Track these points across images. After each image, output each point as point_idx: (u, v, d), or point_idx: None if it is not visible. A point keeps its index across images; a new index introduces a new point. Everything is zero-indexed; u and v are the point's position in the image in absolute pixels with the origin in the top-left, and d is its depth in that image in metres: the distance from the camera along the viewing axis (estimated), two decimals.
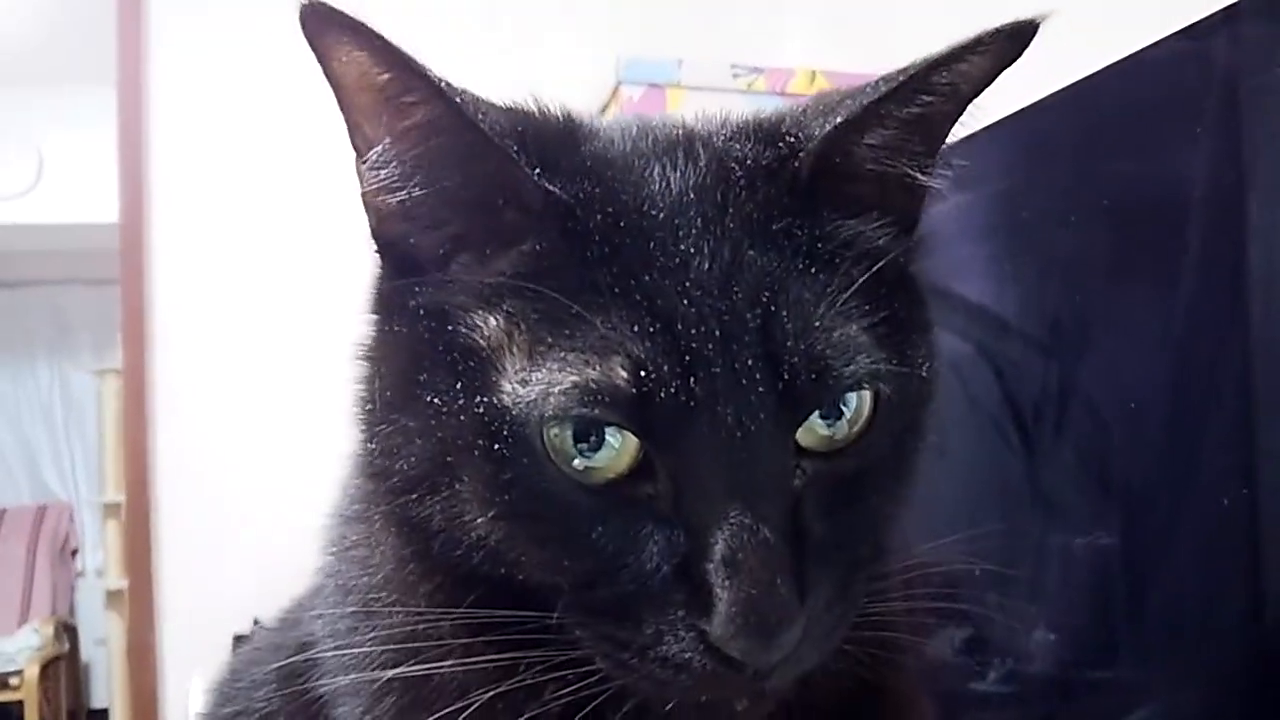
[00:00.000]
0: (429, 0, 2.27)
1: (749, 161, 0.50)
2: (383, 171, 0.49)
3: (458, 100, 0.47)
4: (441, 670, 0.50)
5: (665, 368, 0.44)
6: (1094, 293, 0.83)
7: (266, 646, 0.70)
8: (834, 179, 0.50)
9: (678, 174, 0.49)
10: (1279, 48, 0.66)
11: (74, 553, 5.15)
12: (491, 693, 0.49)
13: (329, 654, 0.57)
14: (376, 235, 0.53)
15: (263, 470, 2.19)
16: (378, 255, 0.54)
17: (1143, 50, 0.78)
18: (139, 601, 2.36)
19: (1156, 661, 0.77)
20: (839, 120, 0.49)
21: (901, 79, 0.48)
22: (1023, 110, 0.90)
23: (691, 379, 0.44)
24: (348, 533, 0.60)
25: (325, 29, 0.46)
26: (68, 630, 4.76)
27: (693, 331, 0.45)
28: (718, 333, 0.45)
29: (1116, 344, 0.81)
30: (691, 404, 0.44)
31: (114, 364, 3.79)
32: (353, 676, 0.55)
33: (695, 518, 0.45)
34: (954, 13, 1.70)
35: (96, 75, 2.92)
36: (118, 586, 3.93)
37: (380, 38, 0.46)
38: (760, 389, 0.45)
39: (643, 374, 0.44)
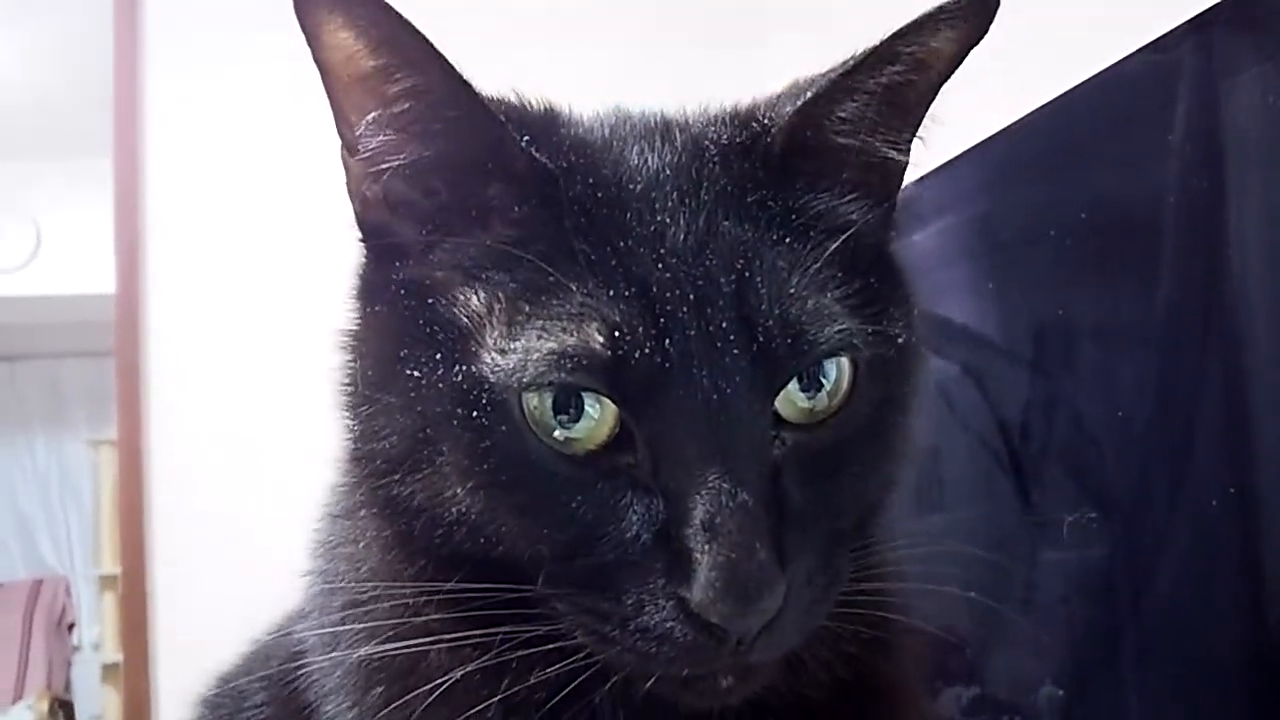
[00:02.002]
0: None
1: (724, 140, 0.51)
2: (372, 141, 0.50)
3: (452, 66, 0.48)
4: (428, 655, 0.50)
5: (640, 330, 0.45)
6: (1076, 306, 0.84)
7: (258, 655, 0.69)
8: (806, 154, 0.51)
9: (654, 154, 0.51)
10: (1243, 55, 0.68)
11: (70, 627, 5.08)
12: (474, 667, 0.48)
13: (318, 655, 0.57)
14: (361, 222, 0.54)
15: (261, 542, 2.16)
16: (361, 243, 0.55)
17: (1112, 66, 0.79)
18: (135, 676, 2.32)
19: (1154, 674, 0.76)
20: (810, 95, 0.50)
21: (868, 51, 0.50)
22: (999, 133, 0.91)
23: (666, 341, 0.45)
24: (334, 531, 0.60)
25: (315, 4, 0.47)
26: (63, 706, 4.68)
27: (667, 295, 0.45)
28: (692, 297, 0.46)
29: (1101, 356, 0.81)
30: (667, 365, 0.45)
31: (110, 435, 3.79)
32: (338, 670, 0.55)
33: (674, 484, 0.45)
34: None
35: (93, 148, 2.96)
36: (114, 660, 3.88)
37: (377, 7, 0.47)
38: (735, 352, 0.45)
39: (617, 337, 0.45)
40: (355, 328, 0.55)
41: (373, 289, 0.54)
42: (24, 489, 5.59)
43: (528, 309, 0.46)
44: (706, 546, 0.43)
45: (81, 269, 4.12)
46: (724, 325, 0.45)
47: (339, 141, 0.53)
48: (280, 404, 2.23)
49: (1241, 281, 0.69)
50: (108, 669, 4.11)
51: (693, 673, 0.46)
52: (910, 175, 1.05)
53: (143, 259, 2.38)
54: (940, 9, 0.49)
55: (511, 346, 0.46)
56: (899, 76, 0.50)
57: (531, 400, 0.46)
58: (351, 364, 0.53)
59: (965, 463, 0.94)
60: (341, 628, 0.55)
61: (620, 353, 0.45)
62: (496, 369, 0.46)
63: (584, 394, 0.45)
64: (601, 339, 0.45)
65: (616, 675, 0.48)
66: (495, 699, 0.49)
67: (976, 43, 0.51)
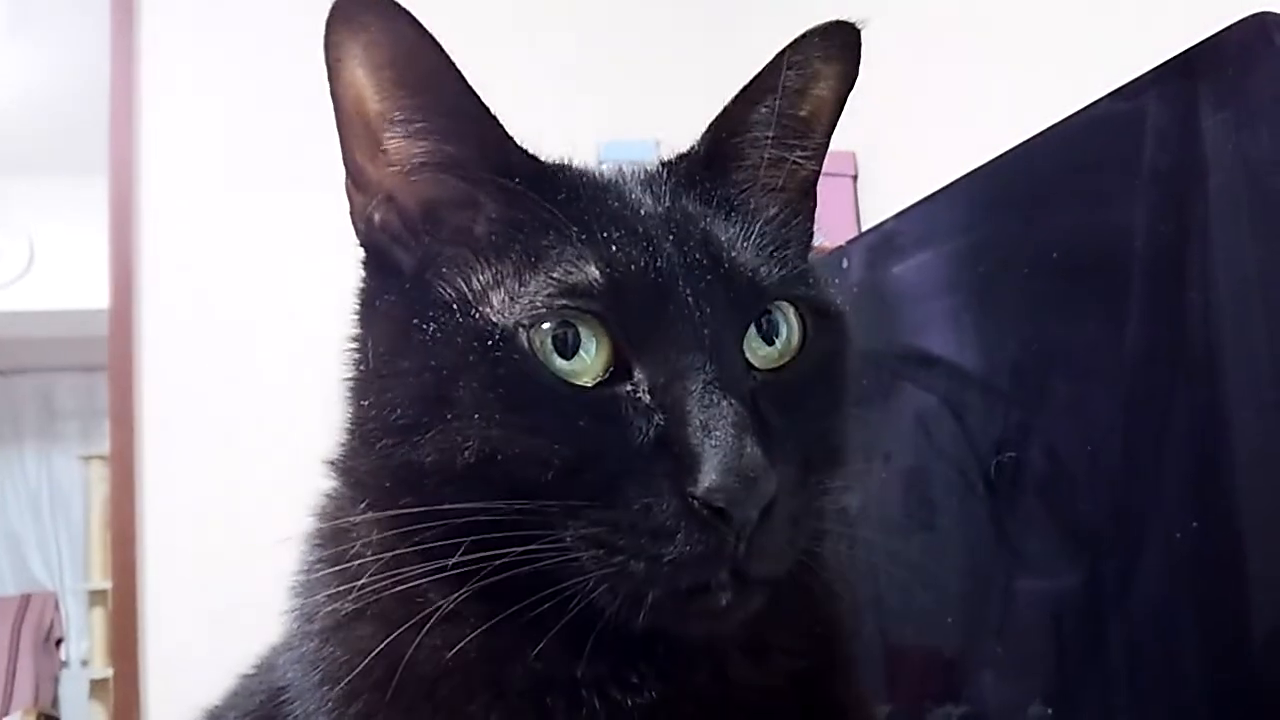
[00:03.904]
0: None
1: (664, 161, 0.63)
2: (402, 139, 0.56)
3: (463, 79, 0.55)
4: (416, 659, 0.53)
5: (631, 258, 0.53)
6: (1049, 342, 0.86)
7: (242, 692, 0.71)
8: (726, 156, 0.62)
9: (609, 173, 0.62)
10: (1204, 104, 0.71)
11: (59, 642, 5.06)
12: (469, 641, 0.52)
13: (298, 683, 0.59)
14: (367, 242, 0.60)
15: (252, 557, 2.17)
16: (364, 263, 0.61)
17: (1081, 110, 0.82)
18: (124, 691, 2.33)
19: (1140, 693, 0.78)
20: (719, 112, 0.62)
21: (761, 70, 0.60)
22: (976, 170, 0.94)
23: (657, 262, 0.53)
24: (316, 560, 0.62)
25: (352, 16, 0.54)
26: None
27: (653, 234, 0.55)
28: (671, 238, 0.55)
29: (1072, 389, 0.84)
30: (659, 281, 0.52)
31: (101, 450, 3.79)
32: (316, 691, 0.56)
33: (670, 398, 0.51)
34: (928, 93, 1.77)
35: (86, 164, 2.98)
36: (102, 676, 3.86)
37: (407, 23, 0.54)
38: (709, 278, 0.54)
39: (611, 266, 0.52)
40: (360, 330, 0.60)
41: (378, 291, 0.60)
42: (14, 504, 5.58)
43: (533, 263, 0.54)
44: (706, 440, 0.49)
45: (74, 284, 4.13)
46: (699, 258, 0.54)
47: (345, 175, 0.59)
48: (273, 419, 2.24)
49: (1205, 322, 0.71)
50: (95, 684, 4.09)
51: (695, 582, 0.49)
52: (891, 209, 1.08)
53: (137, 274, 2.40)
54: (810, 33, 0.60)
55: (521, 293, 0.53)
56: (786, 90, 0.60)
57: (536, 339, 0.52)
58: (359, 358, 0.59)
59: (945, 489, 0.97)
60: (324, 651, 0.57)
61: (616, 276, 0.52)
62: (507, 314, 0.53)
63: (581, 333, 0.52)
64: (598, 272, 0.52)
65: (617, 602, 0.50)
66: (488, 694, 0.52)
67: (853, 69, 0.61)
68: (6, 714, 4.52)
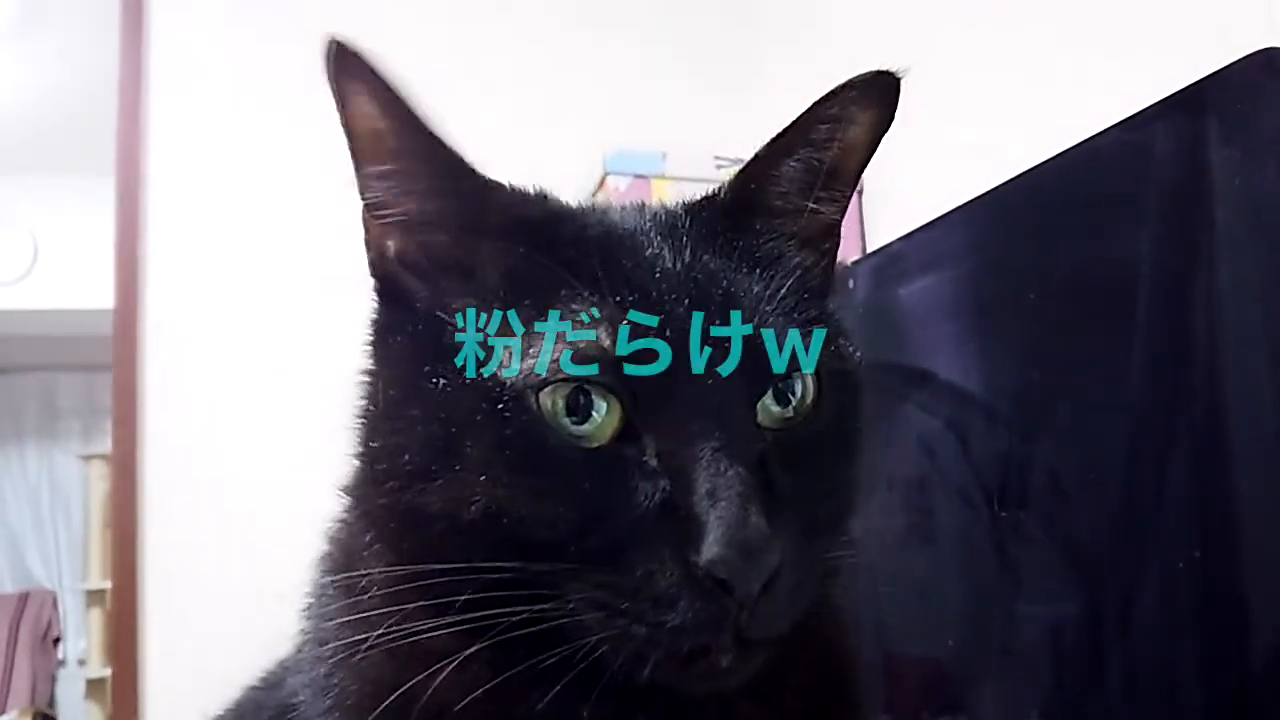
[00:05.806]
0: (419, 94, 2.33)
1: (687, 204, 0.61)
2: (393, 201, 0.57)
3: (449, 144, 0.55)
4: (428, 686, 0.52)
5: (647, 318, 0.51)
6: (1054, 367, 0.87)
7: (248, 704, 0.71)
8: (754, 207, 0.60)
9: (633, 215, 0.60)
10: (1210, 138, 0.72)
11: (56, 641, 5.06)
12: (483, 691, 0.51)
13: (307, 706, 0.59)
14: (379, 272, 0.59)
15: (254, 560, 2.18)
16: (376, 292, 0.60)
17: (1088, 139, 0.83)
18: (122, 691, 2.32)
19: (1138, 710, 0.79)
20: (751, 159, 0.60)
21: (794, 120, 0.59)
22: (982, 196, 0.94)
23: (668, 330, 0.51)
24: (329, 588, 0.62)
25: (344, 71, 0.53)
26: None
27: (668, 298, 0.53)
28: (687, 301, 0.53)
29: (1076, 416, 0.84)
30: (672, 347, 0.51)
31: (102, 449, 3.79)
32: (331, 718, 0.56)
33: (677, 464, 0.50)
34: (935, 109, 1.77)
35: (91, 163, 2.98)
36: (99, 675, 3.86)
37: (389, 86, 0.53)
38: (725, 346, 0.52)
39: (622, 333, 0.51)
40: (373, 366, 0.60)
41: (390, 328, 0.59)
42: (13, 502, 5.58)
43: (540, 323, 0.52)
44: (711, 511, 0.48)
45: (78, 283, 4.14)
46: (716, 322, 0.52)
47: (359, 202, 0.59)
48: (276, 421, 2.25)
49: (1210, 352, 0.71)
50: (92, 684, 4.10)
51: (695, 645, 0.49)
52: (896, 223, 1.09)
53: (142, 275, 2.40)
54: (849, 84, 0.58)
55: (529, 352, 0.52)
56: (821, 141, 0.59)
57: (546, 401, 0.51)
58: (371, 394, 0.58)
59: (948, 513, 0.97)
60: (334, 680, 0.57)
61: (628, 343, 0.51)
62: (515, 374, 0.52)
63: (593, 395, 0.51)
64: (609, 338, 0.51)
65: (619, 660, 0.50)
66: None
67: (888, 118, 0.59)
68: (3, 712, 4.52)
